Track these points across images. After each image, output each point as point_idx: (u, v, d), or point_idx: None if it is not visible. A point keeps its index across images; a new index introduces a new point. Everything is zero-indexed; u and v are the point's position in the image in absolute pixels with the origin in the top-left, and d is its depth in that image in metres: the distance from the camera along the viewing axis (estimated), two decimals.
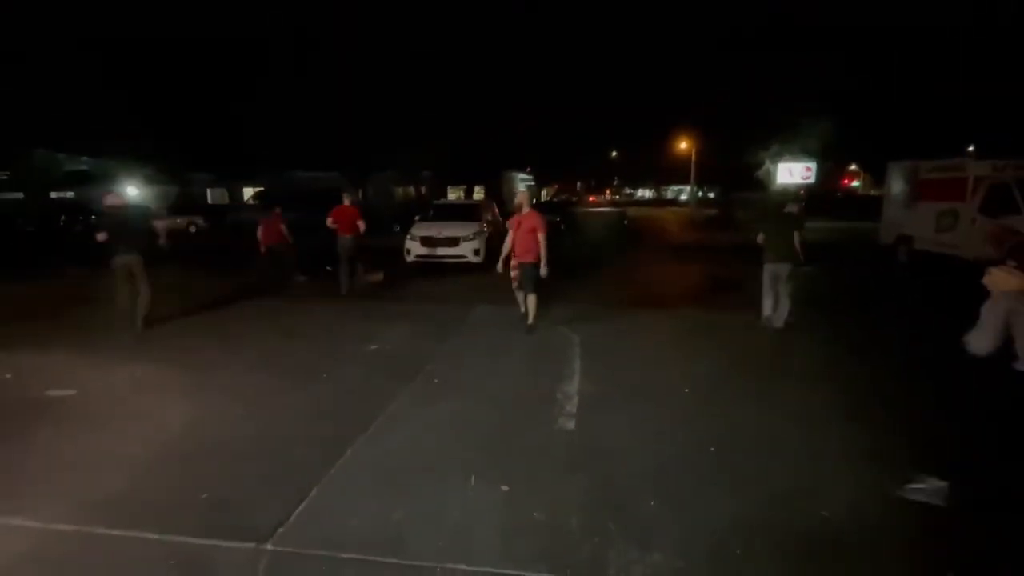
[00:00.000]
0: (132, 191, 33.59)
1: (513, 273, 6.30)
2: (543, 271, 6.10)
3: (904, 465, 3.10)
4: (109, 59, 22.03)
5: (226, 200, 32.81)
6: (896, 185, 12.83)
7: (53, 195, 29.35)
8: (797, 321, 6.32)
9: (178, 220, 25.31)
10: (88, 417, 3.97)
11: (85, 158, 34.20)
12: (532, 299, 6.27)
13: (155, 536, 2.60)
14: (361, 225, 8.91)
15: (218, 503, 2.88)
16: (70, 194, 29.89)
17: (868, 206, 19.92)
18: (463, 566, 2.39)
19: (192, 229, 24.93)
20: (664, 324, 6.71)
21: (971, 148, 19.37)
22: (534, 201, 7.84)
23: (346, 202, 9.01)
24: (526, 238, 6.11)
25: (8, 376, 4.87)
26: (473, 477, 3.11)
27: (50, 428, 3.76)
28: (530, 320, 6.32)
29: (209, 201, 32.49)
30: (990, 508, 2.77)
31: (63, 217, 20.46)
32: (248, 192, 30.13)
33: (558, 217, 17.89)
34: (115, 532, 2.64)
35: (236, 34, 21.90)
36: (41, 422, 3.86)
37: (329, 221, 8.89)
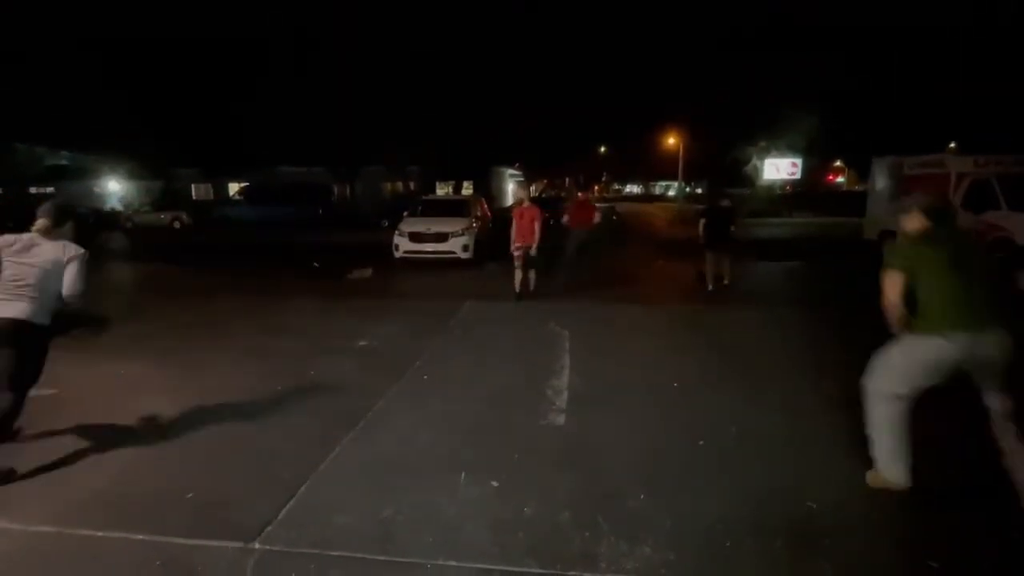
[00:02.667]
0: (114, 186, 33.03)
1: (517, 253, 7.67)
2: (533, 251, 7.57)
3: None
4: (109, 59, 21.69)
5: (211, 195, 32.40)
6: (880, 181, 12.99)
7: (32, 190, 28.76)
8: None
9: (162, 216, 24.97)
10: (70, 416, 3.90)
11: (65, 152, 33.52)
12: (532, 273, 7.77)
13: (140, 536, 2.55)
14: (597, 216, 10.44)
15: (204, 502, 2.84)
16: (50, 189, 29.31)
17: (852, 202, 20.17)
18: (453, 562, 2.38)
19: (176, 225, 24.57)
20: (654, 319, 6.73)
21: (952, 144, 19.60)
22: None
23: (581, 197, 10.94)
24: (528, 227, 7.56)
25: None
26: (463, 473, 3.10)
27: (31, 428, 3.69)
28: (531, 287, 7.78)
29: (194, 197, 32.04)
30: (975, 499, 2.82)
31: None
32: (233, 188, 29.78)
33: (547, 212, 18.01)
34: (99, 533, 2.59)
35: (236, 34, 21.65)
36: (21, 422, 3.77)
37: (565, 219, 10.46)
